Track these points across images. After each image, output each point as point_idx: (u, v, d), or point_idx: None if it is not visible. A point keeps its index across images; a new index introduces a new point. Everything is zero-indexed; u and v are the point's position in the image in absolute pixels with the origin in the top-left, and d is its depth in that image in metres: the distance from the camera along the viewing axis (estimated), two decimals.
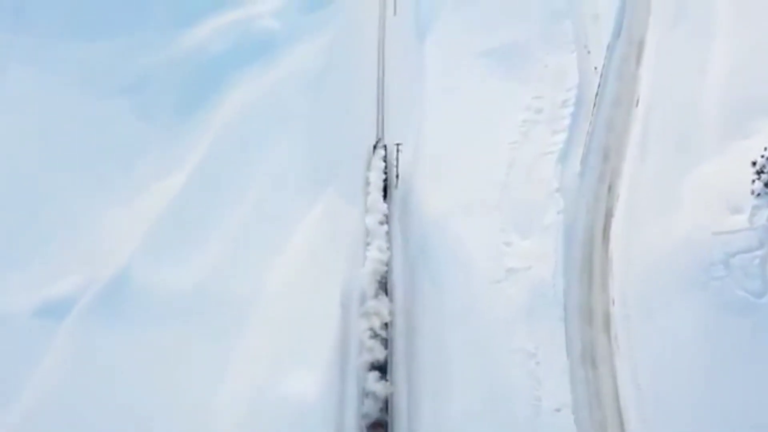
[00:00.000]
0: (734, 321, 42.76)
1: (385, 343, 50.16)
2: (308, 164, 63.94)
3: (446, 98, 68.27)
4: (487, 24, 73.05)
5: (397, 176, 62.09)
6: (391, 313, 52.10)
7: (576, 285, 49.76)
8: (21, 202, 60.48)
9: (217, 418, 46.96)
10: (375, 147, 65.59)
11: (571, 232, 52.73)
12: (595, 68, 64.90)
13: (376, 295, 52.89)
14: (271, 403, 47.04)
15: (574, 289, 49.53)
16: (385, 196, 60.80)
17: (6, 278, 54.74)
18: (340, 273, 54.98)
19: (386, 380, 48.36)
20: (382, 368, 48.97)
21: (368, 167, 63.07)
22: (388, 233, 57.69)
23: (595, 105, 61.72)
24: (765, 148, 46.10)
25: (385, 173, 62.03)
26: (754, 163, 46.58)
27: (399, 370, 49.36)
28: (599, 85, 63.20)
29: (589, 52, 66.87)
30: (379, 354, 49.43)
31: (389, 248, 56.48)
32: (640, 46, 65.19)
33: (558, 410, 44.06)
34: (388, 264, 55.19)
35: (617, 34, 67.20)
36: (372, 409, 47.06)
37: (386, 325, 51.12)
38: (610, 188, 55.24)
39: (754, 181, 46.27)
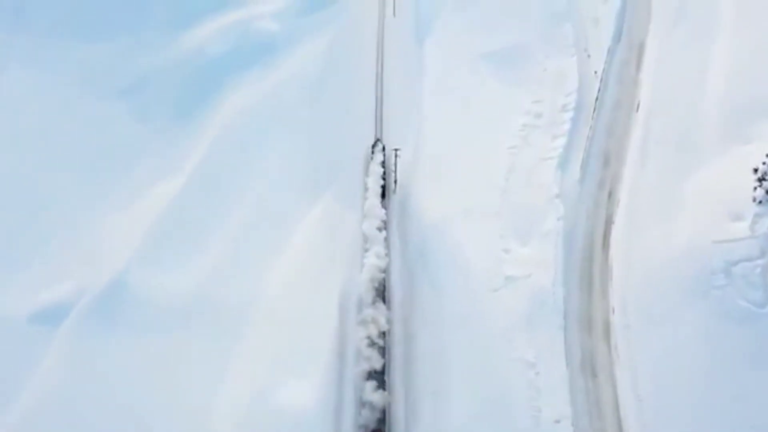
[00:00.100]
0: (735, 331, 42.44)
1: (383, 351, 49.72)
2: (307, 167, 63.59)
3: (445, 101, 67.86)
4: (486, 26, 72.64)
5: (396, 181, 61.59)
6: (389, 321, 51.67)
7: (576, 293, 49.31)
8: (17, 204, 60.27)
9: (214, 426, 46.57)
10: (373, 147, 65.04)
11: (571, 238, 52.29)
12: (595, 72, 64.47)
13: (373, 303, 52.45)
14: (268, 413, 46.64)
15: (573, 297, 49.06)
16: (383, 202, 60.22)
17: (0, 283, 54.30)
18: (338, 280, 54.50)
19: (384, 390, 47.92)
20: (379, 377, 48.53)
21: (366, 172, 62.44)
22: (386, 239, 57.19)
23: (595, 109, 61.29)
24: (767, 155, 45.70)
25: (384, 179, 61.48)
26: (755, 170, 46.32)
27: (397, 379, 48.88)
28: (599, 89, 62.81)
29: (589, 56, 66.44)
30: (377, 363, 49.01)
31: (387, 254, 55.97)
32: (641, 49, 64.83)
33: (558, 421, 43.55)
34: (385, 271, 54.69)
35: (617, 37, 66.84)
36: (369, 419, 46.63)
37: (384, 333, 50.65)
38: (610, 194, 54.81)
39: (755, 188, 46.07)
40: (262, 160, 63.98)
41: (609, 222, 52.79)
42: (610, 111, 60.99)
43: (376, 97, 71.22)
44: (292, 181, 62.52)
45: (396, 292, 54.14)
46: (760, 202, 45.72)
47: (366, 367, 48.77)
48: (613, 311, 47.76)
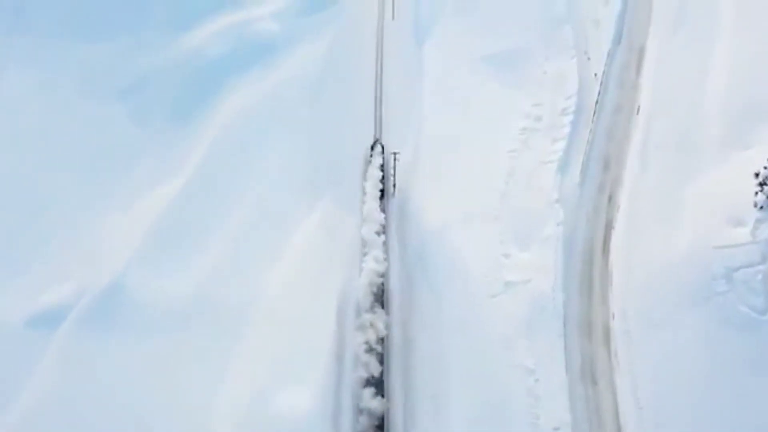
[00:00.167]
0: (736, 337, 42.18)
1: (381, 358, 49.39)
2: (306, 169, 63.29)
3: (445, 103, 67.47)
4: (486, 29, 72.10)
5: (395, 185, 61.24)
6: (388, 326, 51.35)
7: (575, 299, 48.91)
8: (15, 205, 60.19)
9: (213, 429, 46.52)
10: (372, 148, 64.71)
11: (571, 244, 51.84)
12: (595, 75, 64.01)
13: (372, 308, 52.21)
14: (266, 418, 46.46)
15: (573, 303, 48.64)
16: (382, 205, 59.88)
17: None
18: (337, 284, 54.16)
19: (382, 396, 47.58)
20: (377, 384, 48.24)
21: (364, 177, 62.11)
22: (385, 243, 56.86)
23: (595, 113, 60.83)
24: None
25: (382, 182, 61.12)
26: (756, 175, 46.03)
27: (395, 386, 48.57)
28: (599, 93, 62.23)
29: (589, 59, 65.93)
30: (375, 369, 48.70)
31: (386, 259, 55.63)
32: (641, 52, 64.24)
33: (557, 429, 43.29)
34: (384, 275, 54.33)
35: (618, 40, 66.18)
36: (367, 426, 46.39)
37: (382, 339, 50.32)
38: (610, 199, 54.36)
39: (756, 193, 45.76)
40: (261, 161, 63.69)
41: (609, 227, 52.34)
42: (610, 114, 60.48)
43: (376, 99, 70.88)
44: (291, 182, 62.25)
45: (395, 296, 53.77)
46: (762, 207, 45.41)
47: (364, 373, 48.46)
48: (613, 317, 47.37)
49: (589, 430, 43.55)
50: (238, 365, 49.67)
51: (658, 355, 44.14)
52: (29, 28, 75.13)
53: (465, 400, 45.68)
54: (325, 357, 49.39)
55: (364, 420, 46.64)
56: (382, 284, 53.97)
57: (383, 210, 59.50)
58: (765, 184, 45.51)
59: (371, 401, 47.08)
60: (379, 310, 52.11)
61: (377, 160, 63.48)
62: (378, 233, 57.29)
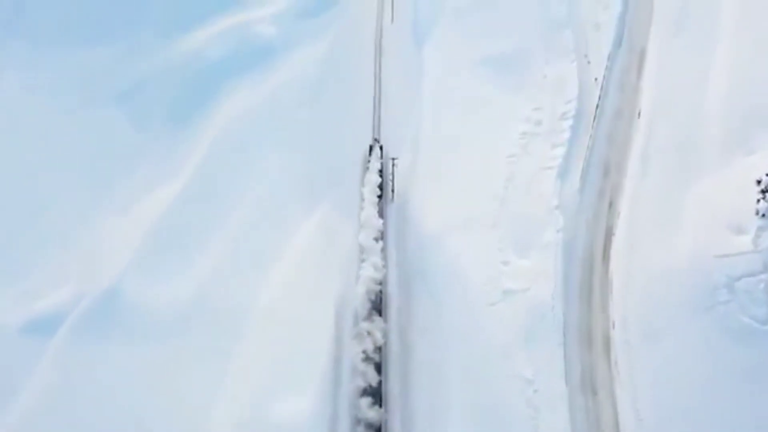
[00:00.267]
0: (738, 348, 41.67)
1: (378, 367, 48.89)
2: (305, 172, 63.13)
3: (444, 107, 67.06)
4: (486, 32, 71.68)
5: (393, 190, 60.73)
6: (385, 335, 50.86)
7: (575, 307, 48.42)
8: (13, 209, 60.30)
9: None
10: (370, 151, 64.22)
11: (571, 251, 51.33)
12: (596, 79, 63.42)
13: (369, 316, 51.74)
14: (264, 427, 46.20)
15: (573, 312, 48.15)
16: (380, 211, 59.37)
17: None
18: (334, 291, 53.87)
19: (379, 406, 47.08)
20: (374, 394, 47.73)
21: (362, 182, 61.60)
22: (383, 250, 56.32)
23: (595, 117, 60.27)
24: None
25: (380, 188, 60.58)
26: (758, 182, 45.38)
27: (393, 395, 48.11)
28: (599, 97, 61.70)
29: (589, 62, 65.36)
30: (372, 379, 48.20)
31: (384, 266, 55.12)
32: (642, 56, 63.64)
33: None
34: (382, 283, 53.85)
35: (618, 43, 65.61)
36: None
37: (379, 348, 49.81)
38: (610, 205, 53.81)
39: (759, 200, 45.11)
40: (260, 163, 63.57)
41: (609, 234, 51.80)
42: (610, 119, 59.91)
43: (375, 102, 70.52)
44: (290, 185, 62.13)
45: (393, 304, 53.36)
46: (764, 215, 44.82)
47: (361, 383, 48.00)
48: (614, 326, 46.83)
49: None
50: (235, 372, 49.47)
51: (658, 365, 43.63)
52: (28, 32, 75.38)
53: (463, 411, 45.24)
54: (323, 366, 49.14)
55: (361, 430, 46.15)
56: (380, 292, 53.48)
57: (381, 215, 58.94)
58: (767, 191, 44.83)
59: (369, 411, 46.61)
60: (376, 318, 51.63)
61: (375, 165, 62.89)
62: (376, 239, 56.79)
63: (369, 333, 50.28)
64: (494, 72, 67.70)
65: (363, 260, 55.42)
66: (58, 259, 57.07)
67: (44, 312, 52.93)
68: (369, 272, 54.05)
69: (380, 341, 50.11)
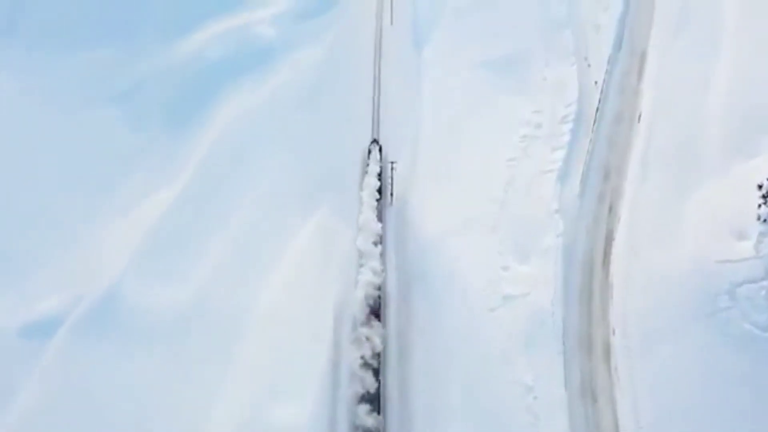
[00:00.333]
0: (739, 355, 41.47)
1: (376, 373, 48.63)
2: (304, 174, 62.59)
3: (444, 110, 66.64)
4: (486, 34, 71.15)
5: (392, 194, 60.43)
6: (384, 340, 50.60)
7: (575, 313, 48.15)
8: (10, 213, 59.52)
9: None
10: (369, 152, 64.00)
11: (571, 256, 51.04)
12: (596, 82, 63.05)
13: (368, 321, 51.46)
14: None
15: (573, 318, 47.89)
16: (379, 214, 59.10)
17: None
18: (333, 296, 53.48)
19: (378, 413, 46.81)
20: (373, 400, 47.47)
21: (361, 186, 61.34)
22: (382, 254, 56.08)
23: (595, 121, 59.93)
24: None
25: (379, 192, 60.31)
26: (760, 187, 45.11)
27: (391, 402, 47.89)
28: (600, 100, 61.30)
29: (589, 65, 64.96)
30: (370, 385, 47.92)
31: (383, 271, 54.85)
32: (642, 58, 63.23)
33: None
34: (380, 288, 53.59)
35: (618, 45, 65.15)
36: None
37: (378, 354, 49.55)
38: (610, 209, 53.49)
39: (760, 205, 44.87)
40: (259, 165, 63.10)
41: (609, 239, 51.49)
42: (610, 122, 59.54)
43: (374, 105, 70.22)
44: (289, 187, 61.63)
45: (391, 309, 53.05)
46: (765, 220, 44.58)
47: (359, 389, 47.74)
48: (614, 332, 46.56)
49: None
50: (234, 374, 49.20)
51: (659, 371, 43.38)
52: (27, 32, 74.48)
53: (462, 418, 44.97)
54: (321, 370, 48.88)
55: None
56: (379, 296, 53.20)
57: (380, 219, 58.68)
58: None
59: (367, 418, 46.39)
60: (375, 323, 51.36)
61: (374, 168, 62.60)
62: (375, 243, 56.52)
63: (368, 338, 50.04)
64: (494, 74, 67.27)
65: (362, 265, 55.10)
66: (57, 261, 56.58)
67: (43, 314, 52.49)
68: (368, 277, 53.79)
69: (379, 347, 49.86)
